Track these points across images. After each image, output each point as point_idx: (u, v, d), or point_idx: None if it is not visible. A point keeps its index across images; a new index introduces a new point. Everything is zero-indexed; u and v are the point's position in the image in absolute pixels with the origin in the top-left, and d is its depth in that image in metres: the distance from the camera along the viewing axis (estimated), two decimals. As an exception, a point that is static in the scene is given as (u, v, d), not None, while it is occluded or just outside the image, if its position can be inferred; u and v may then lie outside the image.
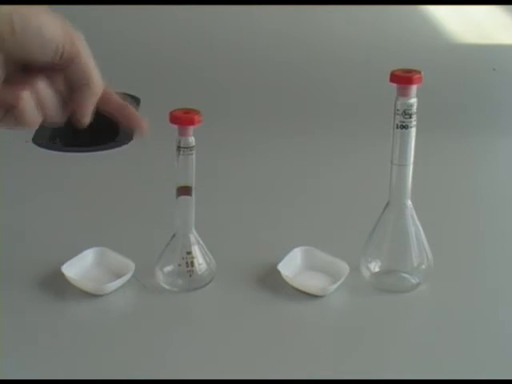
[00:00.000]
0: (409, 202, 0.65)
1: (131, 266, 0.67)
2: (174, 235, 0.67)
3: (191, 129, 0.63)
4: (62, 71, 0.56)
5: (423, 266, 0.67)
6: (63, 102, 0.57)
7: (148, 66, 1.19)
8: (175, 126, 0.62)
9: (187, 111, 0.62)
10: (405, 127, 0.62)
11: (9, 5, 0.53)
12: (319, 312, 0.64)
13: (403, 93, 0.61)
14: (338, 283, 0.66)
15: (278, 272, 0.67)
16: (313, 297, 0.66)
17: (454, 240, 0.76)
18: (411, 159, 0.63)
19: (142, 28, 1.23)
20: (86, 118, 0.58)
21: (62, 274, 0.66)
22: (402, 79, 0.60)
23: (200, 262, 0.67)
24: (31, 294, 0.66)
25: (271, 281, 0.68)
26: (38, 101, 0.56)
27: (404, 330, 0.63)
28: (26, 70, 0.56)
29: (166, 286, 0.67)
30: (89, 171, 0.92)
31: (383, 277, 0.68)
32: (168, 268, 0.67)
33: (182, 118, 0.62)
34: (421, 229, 0.66)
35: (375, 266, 0.68)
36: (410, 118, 0.61)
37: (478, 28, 1.26)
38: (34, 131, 1.01)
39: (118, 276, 0.67)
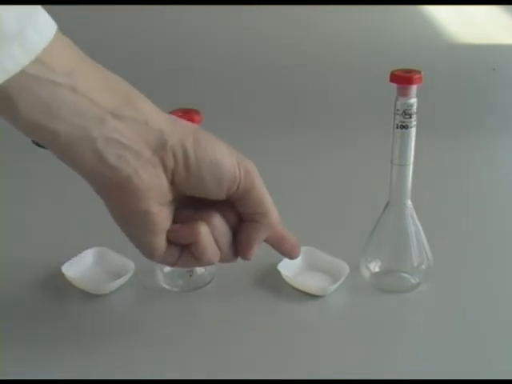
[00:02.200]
0: (409, 202, 0.65)
1: (131, 266, 0.67)
2: (174, 235, 0.67)
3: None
4: (233, 203, 0.52)
5: (423, 266, 0.67)
6: (233, 239, 0.53)
7: (148, 66, 1.19)
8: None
9: (187, 111, 0.62)
10: (405, 127, 0.62)
11: (177, 123, 0.49)
12: (319, 312, 0.64)
13: (403, 93, 0.61)
14: (338, 283, 0.66)
15: (278, 272, 0.67)
16: (313, 297, 0.66)
17: (454, 240, 0.76)
18: (411, 159, 0.63)
19: (142, 28, 1.23)
20: (251, 253, 0.54)
21: (62, 274, 0.66)
22: (402, 79, 0.60)
23: (200, 262, 0.67)
24: (31, 293, 0.66)
25: (271, 281, 0.68)
26: (214, 237, 0.52)
27: (404, 330, 0.63)
28: (194, 204, 0.52)
29: (166, 286, 0.67)
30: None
31: (383, 277, 0.68)
32: (168, 268, 0.67)
33: (182, 118, 0.62)
34: (421, 229, 0.66)
35: (375, 266, 0.68)
36: (410, 117, 0.61)
37: (478, 28, 1.26)
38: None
39: (118, 276, 0.67)
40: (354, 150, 1.02)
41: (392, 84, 0.61)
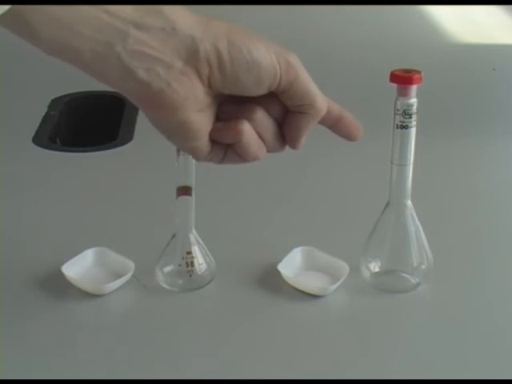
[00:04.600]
0: (409, 202, 0.65)
1: (131, 266, 0.67)
2: (173, 235, 0.67)
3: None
4: (277, 96, 0.51)
5: (423, 266, 0.67)
6: (279, 129, 0.52)
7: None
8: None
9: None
10: (405, 127, 0.62)
11: (209, 24, 0.47)
12: (319, 312, 0.64)
13: (403, 93, 0.61)
14: (338, 283, 0.66)
15: (278, 272, 0.67)
16: (313, 297, 0.66)
17: (454, 240, 0.76)
18: (411, 159, 0.63)
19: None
20: (300, 144, 0.53)
21: (62, 274, 0.66)
22: (402, 79, 0.60)
23: (200, 262, 0.67)
24: (31, 293, 0.66)
25: (271, 281, 0.68)
26: (258, 132, 0.51)
27: (404, 330, 0.63)
28: (237, 99, 0.50)
29: (166, 286, 0.67)
30: (89, 171, 0.92)
31: (383, 277, 0.68)
32: (168, 268, 0.67)
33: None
34: (421, 229, 0.66)
35: (375, 266, 0.68)
36: (410, 118, 0.61)
37: (478, 28, 1.26)
38: (35, 130, 1.02)
39: (118, 276, 0.67)
40: (354, 150, 1.01)
41: (392, 84, 0.61)
